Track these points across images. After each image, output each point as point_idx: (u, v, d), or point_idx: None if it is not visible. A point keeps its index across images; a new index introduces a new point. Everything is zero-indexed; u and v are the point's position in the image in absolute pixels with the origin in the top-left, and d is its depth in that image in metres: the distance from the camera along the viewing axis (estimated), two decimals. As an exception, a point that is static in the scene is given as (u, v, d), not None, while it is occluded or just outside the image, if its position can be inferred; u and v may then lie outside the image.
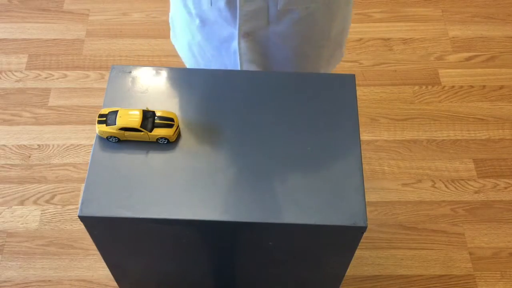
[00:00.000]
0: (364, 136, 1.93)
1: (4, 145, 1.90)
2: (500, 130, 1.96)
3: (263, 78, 1.08)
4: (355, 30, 2.22)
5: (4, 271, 1.66)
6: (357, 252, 1.67)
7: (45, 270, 1.66)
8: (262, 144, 0.98)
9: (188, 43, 1.24)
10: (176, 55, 1.36)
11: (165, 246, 1.03)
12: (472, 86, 2.07)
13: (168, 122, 0.97)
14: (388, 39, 2.20)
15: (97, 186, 0.93)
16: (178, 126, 0.98)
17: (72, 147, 1.90)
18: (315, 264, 1.08)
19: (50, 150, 1.89)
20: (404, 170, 1.86)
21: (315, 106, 1.04)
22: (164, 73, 1.08)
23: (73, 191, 1.81)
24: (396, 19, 2.27)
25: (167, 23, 1.37)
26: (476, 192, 1.82)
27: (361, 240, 0.96)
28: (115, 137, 0.97)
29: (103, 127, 0.97)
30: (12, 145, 1.90)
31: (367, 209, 0.95)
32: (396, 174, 1.85)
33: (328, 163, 0.96)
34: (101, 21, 2.24)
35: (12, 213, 1.76)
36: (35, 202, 1.78)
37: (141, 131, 0.96)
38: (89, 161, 0.97)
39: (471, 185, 1.83)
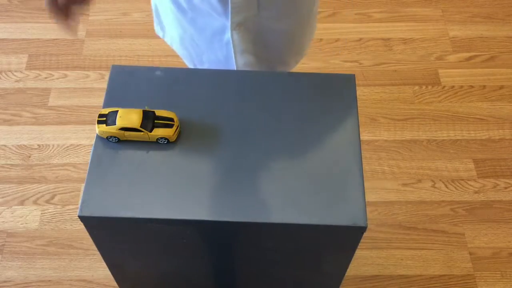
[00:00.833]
0: (364, 136, 1.93)
1: (4, 145, 1.90)
2: (500, 130, 1.96)
3: (263, 78, 1.08)
4: (355, 30, 2.22)
5: (4, 271, 1.66)
6: (357, 252, 1.66)
7: (45, 270, 1.66)
8: (262, 144, 0.98)
9: (180, 36, 1.24)
10: (176, 55, 1.36)
11: (165, 246, 1.03)
12: (472, 86, 2.07)
13: (168, 122, 0.97)
14: (388, 39, 2.20)
15: (97, 186, 0.93)
16: (178, 126, 0.98)
17: (72, 147, 1.90)
18: (315, 264, 1.08)
19: (50, 150, 1.89)
20: (404, 170, 1.86)
21: (315, 106, 1.04)
22: (164, 73, 1.08)
23: (73, 191, 1.81)
24: (396, 19, 2.27)
25: (167, 23, 1.37)
26: (476, 192, 1.82)
27: (361, 240, 0.96)
28: (115, 137, 0.97)
29: (103, 127, 0.97)
30: (12, 145, 1.90)
31: (367, 209, 0.95)
32: (396, 174, 1.85)
33: (328, 163, 0.96)
34: (101, 21, 2.24)
35: (12, 213, 1.76)
36: (35, 202, 1.78)
37: (141, 131, 0.96)
38: (89, 161, 0.97)
39: (471, 185, 1.83)
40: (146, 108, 0.99)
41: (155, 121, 0.97)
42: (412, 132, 1.95)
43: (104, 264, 1.19)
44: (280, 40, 1.23)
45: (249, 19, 1.12)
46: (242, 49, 1.18)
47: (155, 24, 1.34)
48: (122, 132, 0.96)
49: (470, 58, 2.15)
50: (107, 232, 0.99)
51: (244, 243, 1.01)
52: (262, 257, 1.05)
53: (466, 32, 2.23)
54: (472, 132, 1.95)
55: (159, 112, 0.98)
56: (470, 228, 1.75)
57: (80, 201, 0.92)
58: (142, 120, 0.96)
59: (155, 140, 0.97)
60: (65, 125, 1.95)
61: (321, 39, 2.19)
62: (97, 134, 0.99)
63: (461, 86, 2.07)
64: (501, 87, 2.07)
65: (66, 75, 2.08)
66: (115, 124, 0.96)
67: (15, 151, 1.89)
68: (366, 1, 2.32)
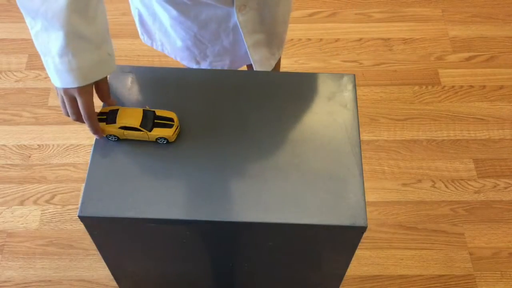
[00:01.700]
0: (364, 136, 1.93)
1: (4, 145, 1.90)
2: (500, 130, 1.96)
3: (263, 77, 1.08)
4: (355, 30, 2.23)
5: (4, 271, 1.66)
6: (357, 252, 1.67)
7: (45, 270, 1.66)
8: (262, 144, 0.98)
9: (181, 39, 1.24)
10: (176, 55, 1.36)
11: (165, 246, 1.03)
12: (472, 86, 2.07)
13: (167, 122, 0.97)
14: (388, 39, 2.20)
15: (97, 186, 0.93)
16: (178, 126, 0.98)
17: (72, 147, 1.90)
18: (315, 264, 1.08)
19: (50, 150, 1.89)
20: (404, 170, 1.86)
21: (315, 106, 1.04)
22: (164, 73, 1.08)
23: (73, 191, 1.81)
24: (396, 19, 2.27)
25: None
26: (476, 192, 1.82)
27: (361, 240, 0.96)
28: (114, 135, 0.97)
29: (103, 125, 0.97)
30: (12, 145, 1.90)
31: (367, 209, 0.95)
32: (396, 174, 1.85)
33: (328, 163, 0.96)
34: (101, 21, 2.24)
35: (12, 213, 1.76)
36: (35, 202, 1.78)
37: (140, 130, 0.96)
38: (89, 161, 0.97)
39: (471, 185, 1.83)
40: (146, 108, 0.99)
41: (155, 120, 0.97)
42: (412, 132, 1.95)
43: (104, 264, 1.19)
44: (281, 8, 1.24)
45: None
46: (250, 30, 1.19)
47: (140, 34, 1.34)
48: (122, 131, 0.96)
49: (470, 58, 2.15)
50: (107, 232, 0.98)
51: (244, 243, 1.01)
52: (262, 257, 1.05)
53: (466, 32, 2.23)
54: (472, 132, 1.95)
55: (159, 112, 0.98)
56: (470, 228, 1.75)
57: (80, 201, 0.92)
58: (142, 120, 0.96)
59: (154, 139, 0.97)
60: (65, 125, 1.95)
61: (321, 39, 2.19)
62: (97, 134, 0.99)
63: (461, 86, 2.07)
64: (501, 87, 2.07)
65: (66, 75, 2.08)
66: (115, 123, 0.96)
67: (15, 151, 1.89)
68: (366, 1, 2.32)
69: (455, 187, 1.82)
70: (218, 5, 1.13)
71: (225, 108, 1.03)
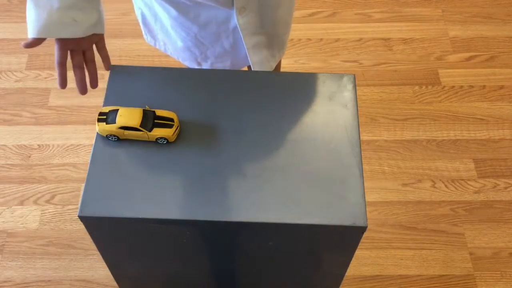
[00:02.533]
0: (364, 136, 1.93)
1: (4, 145, 1.90)
2: (500, 130, 1.96)
3: (263, 78, 1.08)
4: (355, 30, 2.22)
5: (4, 271, 1.66)
6: (357, 252, 1.67)
7: (45, 270, 1.66)
8: (262, 144, 0.98)
9: (182, 39, 1.24)
10: (176, 55, 1.36)
11: (165, 246, 1.03)
12: (472, 86, 2.07)
13: (167, 122, 0.97)
14: (388, 39, 2.20)
15: (97, 186, 0.93)
16: (178, 126, 0.98)
17: (72, 147, 1.90)
18: (315, 264, 1.08)
19: (50, 150, 1.89)
20: (404, 170, 1.86)
21: (315, 106, 1.04)
22: (164, 73, 1.08)
23: (73, 191, 1.81)
24: (396, 19, 2.27)
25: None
26: (476, 192, 1.82)
27: (361, 240, 0.96)
28: (114, 135, 0.97)
29: (103, 125, 0.97)
30: (12, 145, 1.90)
31: (367, 209, 0.95)
32: (396, 174, 1.85)
33: (328, 163, 0.96)
34: (101, 21, 2.24)
35: (12, 213, 1.76)
36: (35, 202, 1.78)
37: (140, 130, 0.96)
38: (89, 161, 0.97)
39: (471, 185, 1.83)
40: (146, 108, 0.99)
41: (155, 120, 0.97)
42: (412, 132, 1.95)
43: (104, 264, 1.19)
44: (282, 10, 1.25)
45: (251, 0, 1.14)
46: (250, 32, 1.19)
47: (144, 34, 1.34)
48: (122, 131, 0.96)
49: (470, 58, 2.15)
50: (107, 232, 0.98)
51: (244, 243, 1.01)
52: (262, 257, 1.05)
53: (466, 32, 2.23)
54: (472, 132, 1.95)
55: (159, 112, 0.98)
56: (470, 228, 1.75)
57: (80, 201, 0.92)
58: (142, 120, 0.96)
59: (154, 139, 0.97)
60: (65, 125, 1.95)
61: (321, 39, 2.19)
62: (97, 134, 0.99)
63: (461, 86, 2.07)
64: (501, 87, 2.07)
65: (66, 75, 2.08)
66: (115, 123, 0.96)
67: (15, 151, 1.89)
68: (366, 1, 2.32)
69: (455, 187, 1.82)
70: (218, 7, 1.13)
71: (225, 108, 1.03)
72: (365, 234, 0.95)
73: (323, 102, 1.04)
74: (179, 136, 0.99)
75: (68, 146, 1.90)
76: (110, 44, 2.16)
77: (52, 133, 1.93)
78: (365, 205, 0.92)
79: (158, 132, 0.96)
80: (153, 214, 0.90)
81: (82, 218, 0.92)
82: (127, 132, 0.96)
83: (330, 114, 1.02)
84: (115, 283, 1.23)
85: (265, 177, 0.94)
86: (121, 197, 0.92)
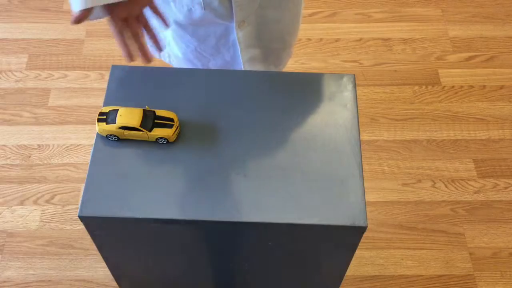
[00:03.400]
0: (364, 136, 1.93)
1: (4, 145, 1.90)
2: (500, 130, 1.96)
3: (263, 78, 1.08)
4: (355, 30, 2.22)
5: (4, 271, 1.66)
6: (357, 252, 1.67)
7: (45, 270, 1.66)
8: (262, 144, 0.98)
9: (182, 51, 1.25)
10: (176, 55, 1.36)
11: (165, 246, 1.03)
12: (472, 86, 2.07)
13: (168, 122, 0.97)
14: (388, 39, 2.20)
15: (97, 186, 0.93)
16: (178, 127, 0.98)
17: (72, 147, 1.90)
18: (315, 264, 1.08)
19: (50, 150, 1.89)
20: (404, 170, 1.86)
21: (315, 106, 1.04)
22: (164, 73, 1.08)
23: (73, 191, 1.81)
24: (396, 19, 2.27)
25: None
26: (476, 192, 1.82)
27: (361, 240, 0.96)
28: (114, 135, 0.97)
29: (103, 125, 0.97)
30: (12, 145, 1.90)
31: (367, 209, 0.95)
32: (396, 174, 1.85)
33: (328, 163, 0.96)
34: (101, 21, 2.23)
35: (12, 213, 1.76)
36: (35, 202, 1.78)
37: (140, 130, 0.96)
38: (89, 161, 0.97)
39: (471, 185, 1.83)
40: (147, 108, 0.99)
41: (155, 120, 0.97)
42: (412, 132, 1.95)
43: (104, 264, 1.19)
44: (281, 26, 1.25)
45: (251, 14, 1.14)
46: (247, 44, 1.20)
47: (149, 45, 1.34)
48: (122, 131, 0.96)
49: (470, 58, 2.15)
50: (107, 232, 0.98)
51: (244, 243, 1.01)
52: (262, 257, 1.05)
53: (466, 32, 2.23)
54: (472, 132, 1.95)
55: (160, 112, 0.98)
56: (470, 228, 1.75)
57: (80, 201, 0.92)
58: (142, 120, 0.96)
59: (154, 139, 0.97)
60: (65, 125, 1.95)
61: (321, 39, 2.19)
62: (97, 134, 0.99)
63: (461, 86, 2.07)
64: (501, 87, 2.07)
65: (66, 75, 2.08)
66: (115, 123, 0.96)
67: (15, 151, 1.89)
68: (366, 1, 2.32)
69: (455, 187, 1.82)
70: (217, 22, 1.13)
71: (225, 108, 1.03)
72: (365, 234, 0.95)
73: (323, 102, 1.04)
74: (179, 136, 0.99)
75: (68, 146, 1.90)
76: (111, 44, 2.17)
77: (52, 133, 1.93)
78: (365, 205, 0.92)
79: (158, 132, 0.96)
80: (153, 214, 0.91)
81: (82, 218, 0.92)
82: (127, 132, 0.96)
83: (330, 114, 1.02)
84: (115, 283, 1.23)
85: (265, 177, 0.94)
86: (121, 197, 0.92)
